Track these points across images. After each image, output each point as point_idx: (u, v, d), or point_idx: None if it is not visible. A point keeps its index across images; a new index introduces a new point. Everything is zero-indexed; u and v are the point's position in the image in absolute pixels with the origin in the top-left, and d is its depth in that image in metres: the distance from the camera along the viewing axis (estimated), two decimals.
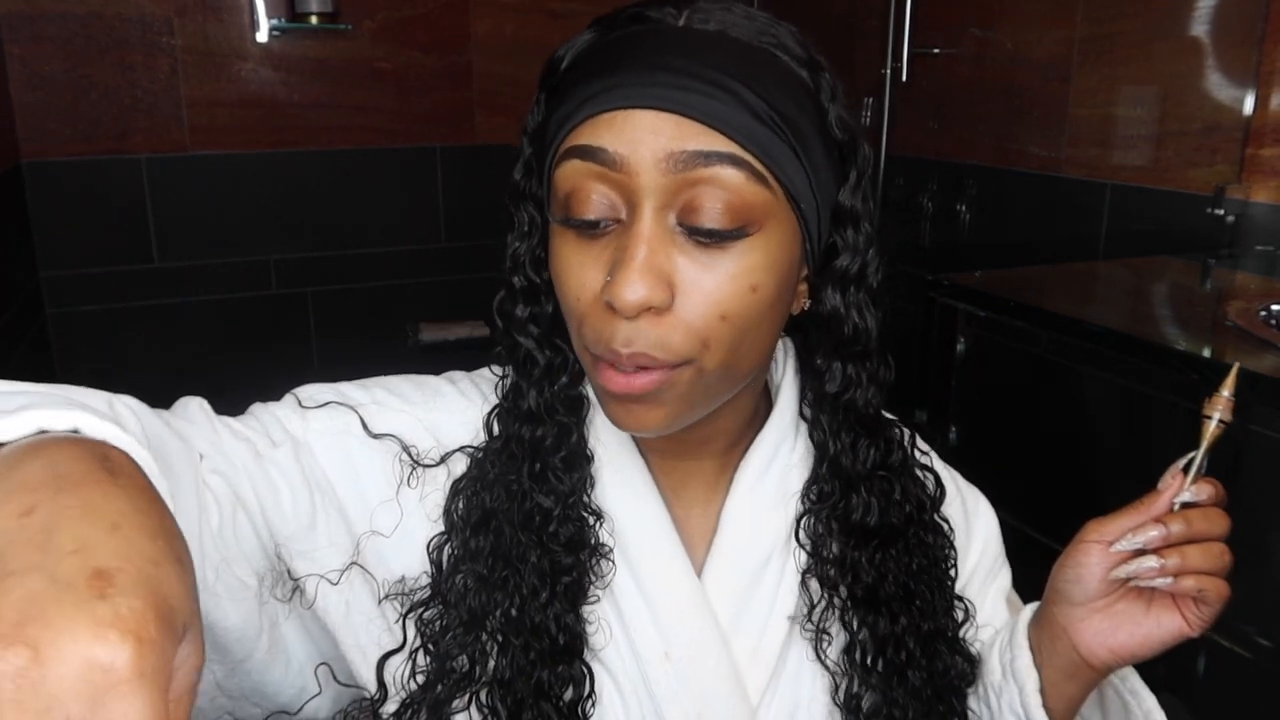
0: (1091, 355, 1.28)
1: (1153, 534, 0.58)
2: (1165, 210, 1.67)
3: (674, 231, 0.52)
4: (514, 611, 0.57)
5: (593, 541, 0.60)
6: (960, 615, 0.67)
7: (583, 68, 0.54)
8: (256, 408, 0.61)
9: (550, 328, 0.60)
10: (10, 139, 2.14)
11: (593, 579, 0.60)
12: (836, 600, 0.63)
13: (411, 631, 0.58)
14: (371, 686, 0.58)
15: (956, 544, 0.68)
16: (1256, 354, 1.06)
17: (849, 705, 0.63)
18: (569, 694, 0.58)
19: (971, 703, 0.69)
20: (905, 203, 2.28)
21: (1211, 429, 0.59)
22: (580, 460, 0.61)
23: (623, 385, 0.53)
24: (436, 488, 0.61)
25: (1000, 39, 2.02)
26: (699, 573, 0.62)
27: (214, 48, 2.32)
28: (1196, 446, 0.60)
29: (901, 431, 0.67)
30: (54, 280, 2.28)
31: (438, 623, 0.58)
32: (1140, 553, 0.59)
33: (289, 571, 0.56)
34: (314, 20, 2.32)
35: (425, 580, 0.59)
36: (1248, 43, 1.51)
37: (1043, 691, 0.64)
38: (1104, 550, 0.60)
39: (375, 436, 0.60)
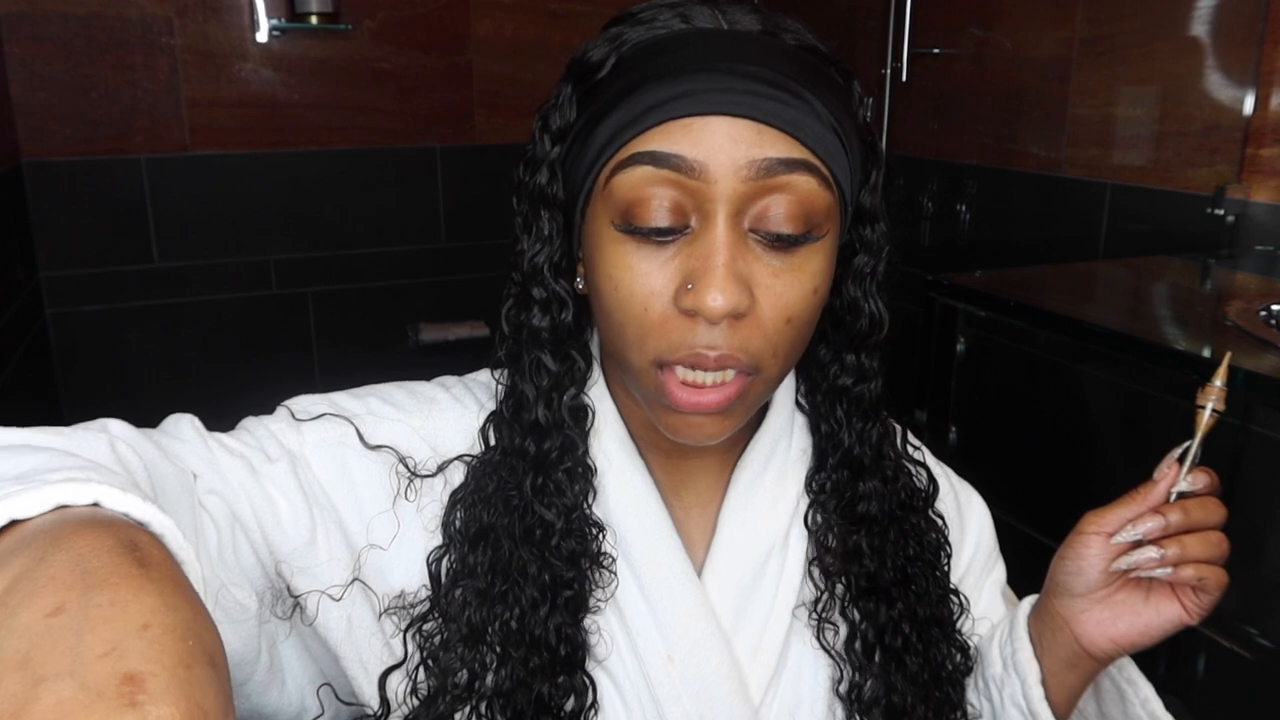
0: (1091, 355, 1.28)
1: (1151, 525, 0.58)
2: (1165, 210, 1.67)
3: (748, 238, 0.52)
4: (514, 624, 0.57)
5: (595, 551, 0.59)
6: (955, 608, 0.67)
7: (639, 70, 0.53)
8: (249, 422, 0.60)
9: (565, 338, 0.59)
10: (10, 139, 2.14)
11: (593, 589, 0.59)
12: (839, 589, 0.63)
13: (411, 646, 0.58)
14: (374, 703, 0.58)
15: (950, 538, 0.68)
16: (1256, 354, 1.06)
17: (851, 695, 0.63)
18: (570, 704, 0.57)
19: (972, 697, 0.69)
20: (905, 203, 2.28)
21: (1205, 418, 0.60)
22: (584, 472, 0.60)
23: (694, 402, 0.53)
24: (434, 499, 0.60)
25: (1000, 39, 2.02)
26: (699, 573, 0.62)
27: (214, 48, 2.32)
28: (1191, 436, 0.60)
29: (893, 424, 0.67)
30: (54, 280, 2.28)
31: (437, 637, 0.57)
32: (1139, 544, 0.59)
33: (289, 588, 0.56)
34: (314, 20, 2.32)
35: (425, 594, 0.58)
36: (1248, 43, 1.51)
37: (1044, 683, 0.64)
38: (1103, 541, 0.60)
39: (372, 448, 0.59)
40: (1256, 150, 1.52)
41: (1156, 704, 0.65)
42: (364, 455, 0.59)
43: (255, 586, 0.54)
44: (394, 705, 0.57)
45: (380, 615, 0.58)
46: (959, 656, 0.67)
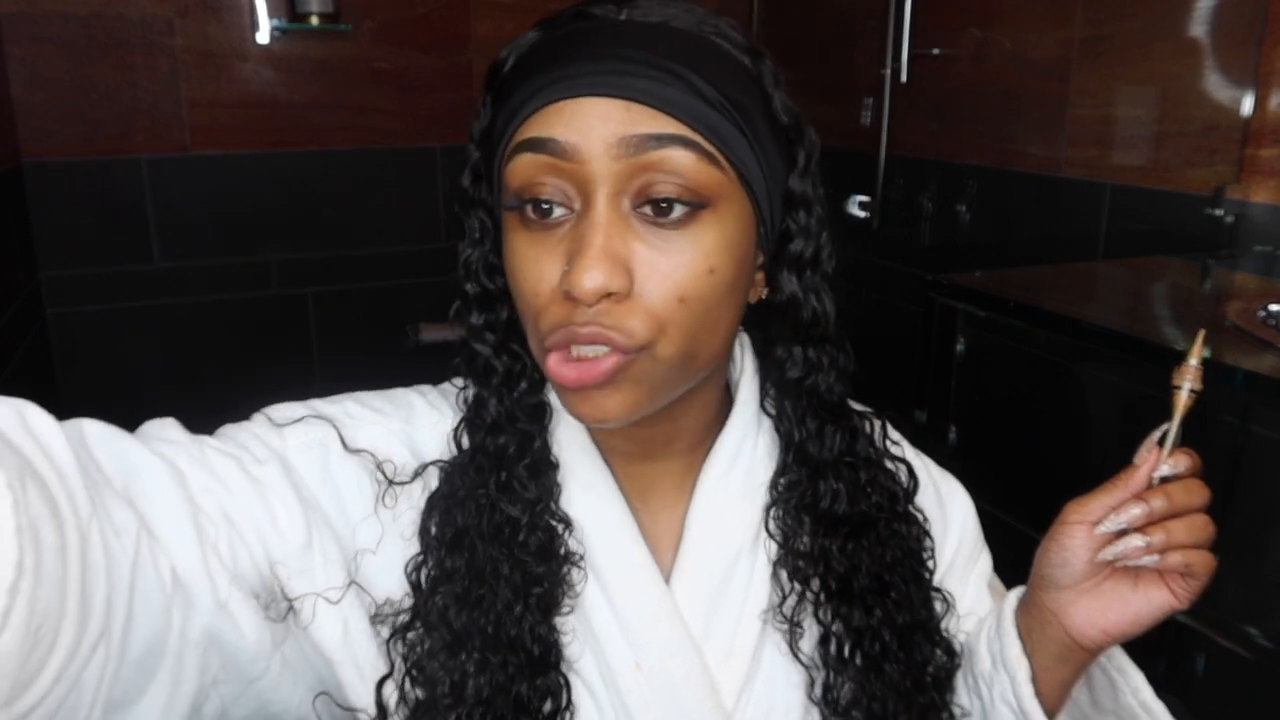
0: (1091, 355, 1.28)
1: (1135, 512, 0.57)
2: (1165, 210, 1.67)
3: (629, 217, 0.52)
4: (490, 628, 0.57)
5: (563, 551, 0.59)
6: (940, 607, 0.67)
7: (527, 65, 0.54)
8: (228, 428, 0.59)
9: (506, 334, 0.59)
10: (11, 139, 2.14)
11: (565, 589, 0.59)
12: (809, 593, 0.62)
13: (396, 656, 0.57)
14: (369, 710, 0.57)
15: (933, 533, 0.67)
16: (1256, 354, 1.06)
17: (825, 700, 0.62)
18: (548, 706, 0.57)
19: (963, 694, 0.68)
20: (905, 203, 2.28)
21: (1183, 399, 0.59)
22: (545, 467, 0.60)
23: (575, 377, 0.52)
24: (412, 505, 0.60)
25: (1000, 39, 2.02)
26: (667, 578, 0.61)
27: (214, 48, 2.32)
28: (1170, 418, 0.59)
29: (872, 423, 0.66)
30: (54, 280, 2.28)
31: (420, 647, 0.57)
32: (1124, 532, 0.58)
33: (283, 591, 0.55)
34: (314, 21, 2.32)
35: (408, 603, 0.58)
36: (1247, 43, 1.51)
37: (1034, 678, 0.63)
38: (1088, 531, 0.59)
39: (352, 451, 0.59)
40: (1256, 150, 1.53)
41: (1147, 692, 0.64)
42: (345, 458, 0.59)
43: (252, 587, 0.53)
44: (389, 712, 0.57)
45: (372, 620, 0.58)
46: (944, 656, 0.66)
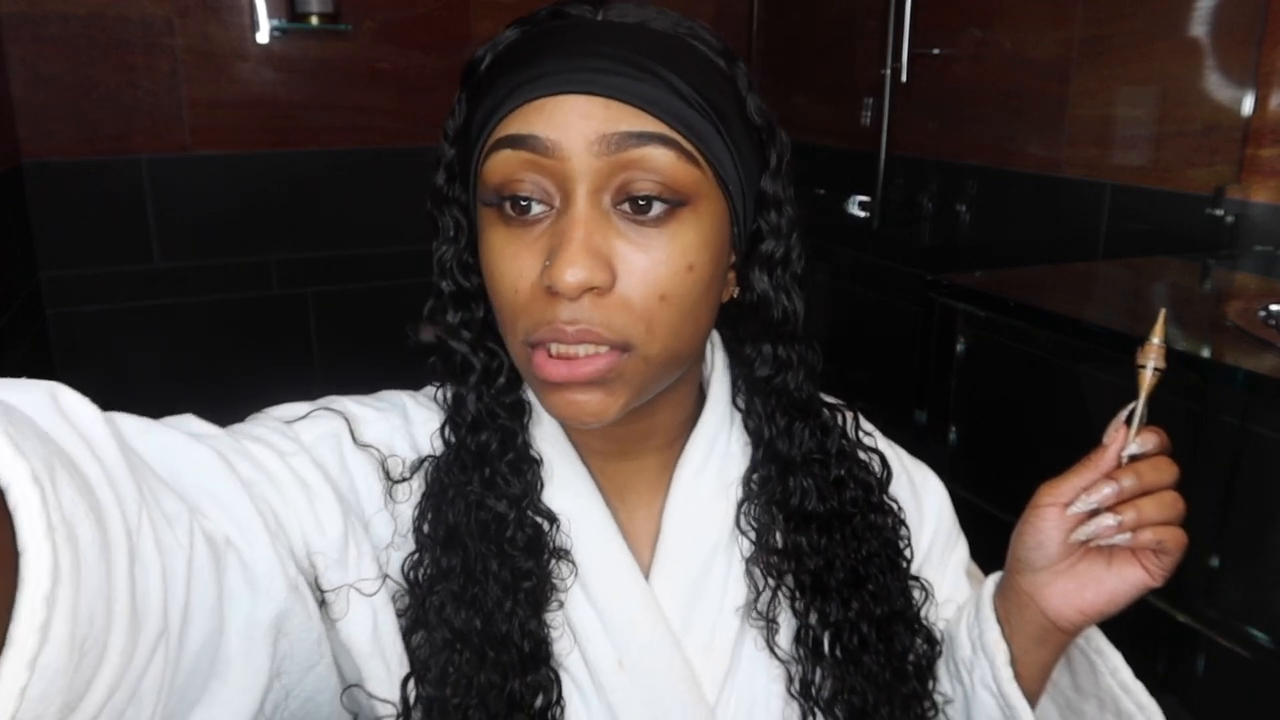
0: (1091, 355, 1.28)
1: (1106, 491, 0.58)
2: (1165, 210, 1.67)
3: (609, 214, 0.52)
4: (483, 625, 0.57)
5: (550, 545, 0.59)
6: (919, 595, 0.67)
7: (505, 63, 0.55)
8: (236, 426, 0.58)
9: (482, 332, 0.60)
10: (11, 139, 2.14)
11: (554, 585, 0.59)
12: (784, 589, 0.63)
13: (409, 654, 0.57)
14: (394, 704, 0.57)
15: (909, 522, 0.68)
16: (1256, 354, 1.06)
17: (804, 693, 0.62)
18: (539, 702, 0.57)
19: (944, 683, 0.69)
20: (905, 203, 2.28)
21: (1148, 377, 0.59)
22: (527, 464, 0.60)
23: (564, 372, 0.52)
24: (410, 503, 0.60)
25: (1000, 39, 2.02)
26: (646, 575, 0.62)
27: (214, 48, 2.32)
28: (1135, 398, 0.60)
29: (844, 415, 0.67)
30: (54, 280, 2.28)
31: (424, 648, 0.57)
32: (1096, 512, 0.59)
33: (318, 582, 0.54)
34: (314, 21, 2.32)
35: (408, 601, 0.58)
36: (1247, 43, 1.51)
37: (1014, 661, 0.64)
38: (1060, 512, 0.60)
39: (361, 446, 0.59)
40: (1256, 150, 1.53)
41: (1126, 673, 0.65)
42: (356, 452, 0.59)
43: (291, 581, 0.51)
44: (412, 706, 0.57)
45: (398, 613, 0.58)
46: (925, 645, 0.66)
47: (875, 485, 0.66)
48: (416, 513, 0.59)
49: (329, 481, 0.55)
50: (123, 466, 0.41)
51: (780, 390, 0.62)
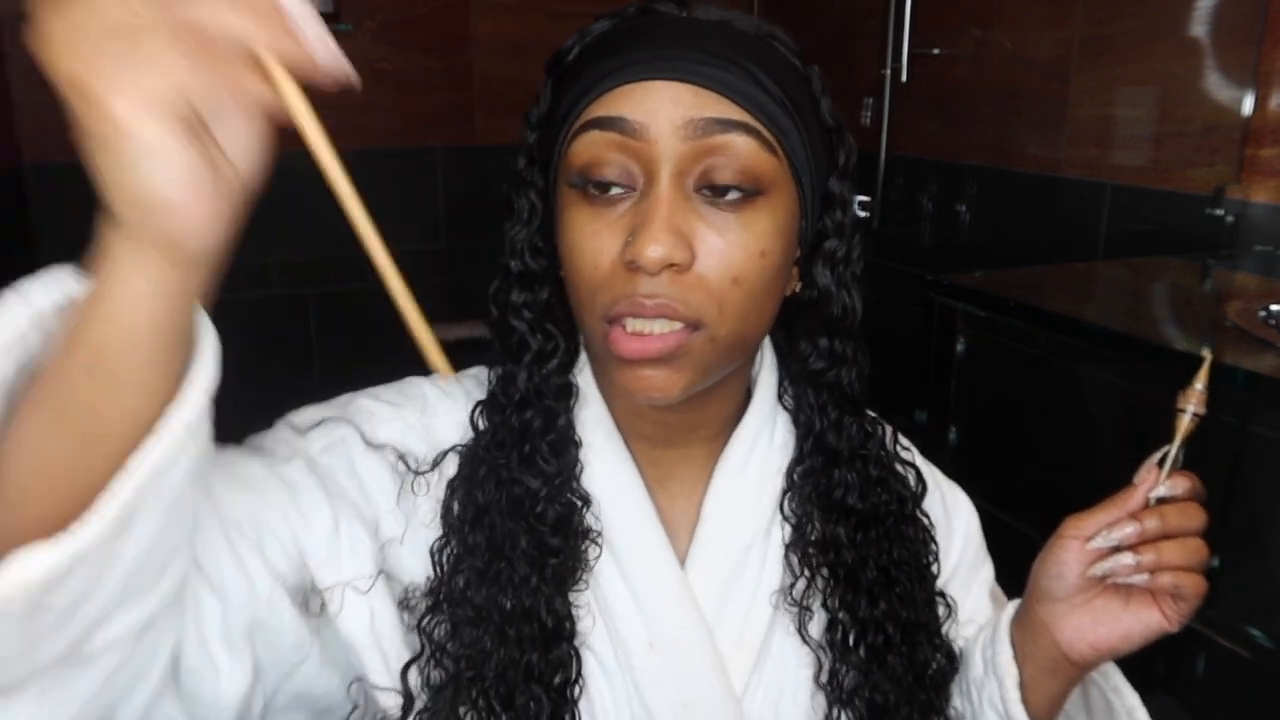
0: (1091, 355, 1.28)
1: (1128, 530, 0.58)
2: (1165, 210, 1.67)
3: (690, 197, 0.54)
4: (508, 603, 0.58)
5: (580, 526, 0.60)
6: (943, 611, 0.68)
7: (594, 52, 0.57)
8: (254, 439, 0.61)
9: (543, 314, 0.61)
10: (11, 139, 2.14)
11: (581, 564, 0.60)
12: (819, 580, 0.64)
13: (422, 638, 0.58)
14: (391, 699, 0.58)
15: (938, 539, 0.69)
16: (1256, 354, 1.06)
17: (832, 685, 0.63)
18: (558, 679, 0.58)
19: (957, 699, 0.69)
20: (905, 203, 2.28)
21: (1185, 422, 0.60)
22: (567, 445, 0.62)
23: (637, 348, 0.54)
24: (430, 493, 0.61)
25: (999, 39, 2.02)
26: (682, 562, 0.63)
27: None
28: (1170, 440, 0.60)
29: (883, 428, 0.68)
30: None
31: (443, 627, 0.58)
32: (1117, 549, 0.59)
33: (314, 582, 0.56)
34: None
35: (430, 585, 0.59)
36: (1247, 43, 1.51)
37: (1024, 687, 0.64)
38: (1081, 546, 0.60)
39: (374, 447, 0.60)
40: (1256, 150, 1.53)
41: (1142, 713, 0.65)
42: (367, 454, 0.60)
43: (290, 584, 0.55)
44: (415, 696, 0.58)
45: (399, 606, 0.59)
46: (944, 660, 0.67)
47: (910, 498, 0.67)
48: (443, 498, 0.60)
49: (320, 483, 0.57)
50: None
51: (834, 385, 0.64)
